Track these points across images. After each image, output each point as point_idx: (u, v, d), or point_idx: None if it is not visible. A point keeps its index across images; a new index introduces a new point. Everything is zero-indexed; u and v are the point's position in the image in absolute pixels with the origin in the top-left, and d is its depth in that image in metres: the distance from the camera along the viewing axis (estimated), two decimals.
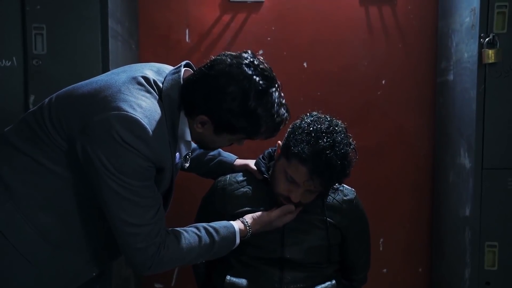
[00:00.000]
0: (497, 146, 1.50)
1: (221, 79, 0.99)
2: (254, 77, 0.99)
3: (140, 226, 1.00)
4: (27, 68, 1.48)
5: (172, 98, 1.03)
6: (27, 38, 1.46)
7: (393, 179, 1.98)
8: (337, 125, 1.21)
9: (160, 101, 1.03)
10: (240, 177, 1.35)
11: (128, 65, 1.15)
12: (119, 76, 1.06)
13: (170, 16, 1.93)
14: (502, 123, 1.49)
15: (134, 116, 0.96)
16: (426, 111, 1.95)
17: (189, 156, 1.21)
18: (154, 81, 1.05)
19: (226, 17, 1.92)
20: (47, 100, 1.09)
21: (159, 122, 1.00)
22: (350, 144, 1.21)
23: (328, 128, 1.18)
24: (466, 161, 1.59)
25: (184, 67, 1.09)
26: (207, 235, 1.11)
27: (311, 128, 1.18)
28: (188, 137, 1.08)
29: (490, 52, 1.45)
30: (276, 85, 1.03)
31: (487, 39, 1.46)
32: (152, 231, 1.01)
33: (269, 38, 1.93)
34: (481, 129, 1.50)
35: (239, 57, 1.02)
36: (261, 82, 0.99)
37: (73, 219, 1.04)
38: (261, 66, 1.02)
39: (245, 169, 1.38)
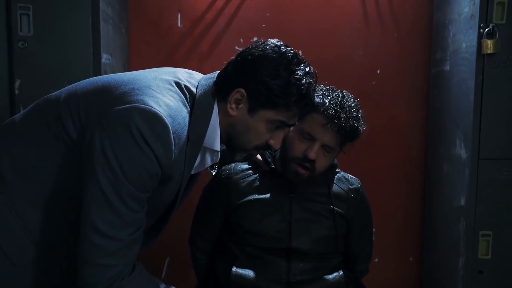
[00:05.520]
0: (493, 136, 1.51)
1: (254, 51, 0.99)
2: (285, 48, 1.00)
3: (111, 239, 0.87)
4: (12, 51, 1.39)
5: (205, 103, 0.98)
6: (12, 18, 1.37)
7: (386, 170, 1.99)
8: (347, 91, 1.28)
9: (190, 107, 0.97)
10: (245, 165, 1.32)
11: (159, 68, 1.08)
12: (149, 73, 1.00)
13: (161, 0, 1.86)
14: (499, 114, 1.51)
15: (158, 112, 0.87)
16: (420, 101, 1.95)
17: (216, 166, 1.14)
18: (186, 86, 0.99)
19: (220, 2, 1.87)
20: (65, 88, 1.02)
21: (182, 127, 0.93)
22: (360, 108, 1.26)
23: (339, 90, 1.26)
24: (462, 151, 1.59)
25: None
26: None
27: (324, 88, 1.26)
28: (217, 147, 1.02)
29: (489, 42, 1.45)
30: (310, 67, 1.02)
31: (486, 30, 1.46)
32: (121, 250, 0.89)
33: (263, 25, 1.89)
34: (478, 120, 1.51)
35: (270, 40, 1.03)
36: (292, 51, 1.00)
37: (61, 222, 0.95)
38: (291, 48, 1.02)
39: (249, 158, 1.33)
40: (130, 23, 1.85)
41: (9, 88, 1.40)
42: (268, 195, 1.25)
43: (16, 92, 1.40)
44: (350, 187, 1.33)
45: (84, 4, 1.40)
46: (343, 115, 1.17)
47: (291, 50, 1.00)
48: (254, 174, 1.29)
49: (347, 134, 1.20)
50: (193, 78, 1.03)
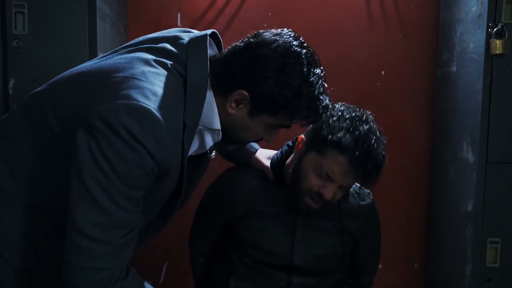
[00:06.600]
0: (502, 140, 1.46)
1: (265, 49, 0.90)
2: (300, 49, 0.92)
3: (98, 242, 0.81)
4: (6, 50, 1.35)
5: (199, 81, 0.90)
6: (6, 16, 1.34)
7: (390, 173, 1.91)
8: (368, 114, 1.14)
9: (183, 82, 0.89)
10: (251, 174, 1.23)
11: (137, 41, 0.99)
12: (133, 54, 0.92)
13: None
14: (508, 116, 1.45)
15: (146, 106, 0.81)
16: (426, 103, 1.90)
17: (215, 148, 1.05)
18: (174, 66, 0.90)
19: (221, 2, 1.83)
20: (49, 83, 0.98)
21: (177, 114, 0.87)
22: (382, 134, 1.12)
23: (362, 116, 1.10)
24: (469, 155, 1.54)
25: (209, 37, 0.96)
26: None
27: (347, 116, 1.08)
28: (217, 125, 0.94)
29: (498, 42, 1.40)
30: (321, 69, 0.95)
31: (495, 29, 1.41)
32: (109, 254, 0.82)
33: (265, 25, 1.85)
34: (486, 122, 1.45)
35: (283, 32, 0.95)
36: (308, 54, 0.92)
37: (56, 223, 0.91)
38: (305, 43, 0.95)
39: (260, 168, 1.25)
40: (129, 22, 1.82)
41: (3, 87, 1.37)
42: (273, 208, 1.17)
43: (10, 91, 1.37)
44: (361, 203, 1.25)
45: (80, 2, 1.37)
46: (370, 165, 1.04)
47: (307, 52, 0.92)
48: (260, 184, 1.20)
49: (369, 182, 1.09)
50: (178, 48, 0.93)
